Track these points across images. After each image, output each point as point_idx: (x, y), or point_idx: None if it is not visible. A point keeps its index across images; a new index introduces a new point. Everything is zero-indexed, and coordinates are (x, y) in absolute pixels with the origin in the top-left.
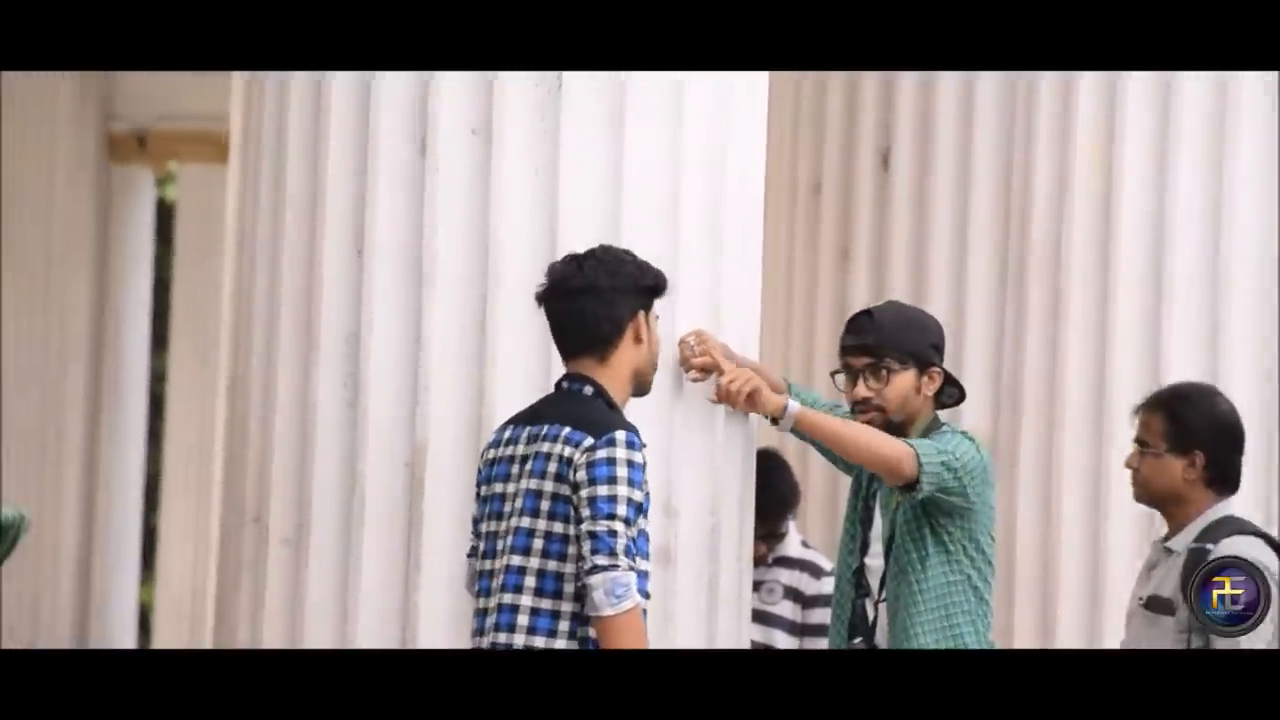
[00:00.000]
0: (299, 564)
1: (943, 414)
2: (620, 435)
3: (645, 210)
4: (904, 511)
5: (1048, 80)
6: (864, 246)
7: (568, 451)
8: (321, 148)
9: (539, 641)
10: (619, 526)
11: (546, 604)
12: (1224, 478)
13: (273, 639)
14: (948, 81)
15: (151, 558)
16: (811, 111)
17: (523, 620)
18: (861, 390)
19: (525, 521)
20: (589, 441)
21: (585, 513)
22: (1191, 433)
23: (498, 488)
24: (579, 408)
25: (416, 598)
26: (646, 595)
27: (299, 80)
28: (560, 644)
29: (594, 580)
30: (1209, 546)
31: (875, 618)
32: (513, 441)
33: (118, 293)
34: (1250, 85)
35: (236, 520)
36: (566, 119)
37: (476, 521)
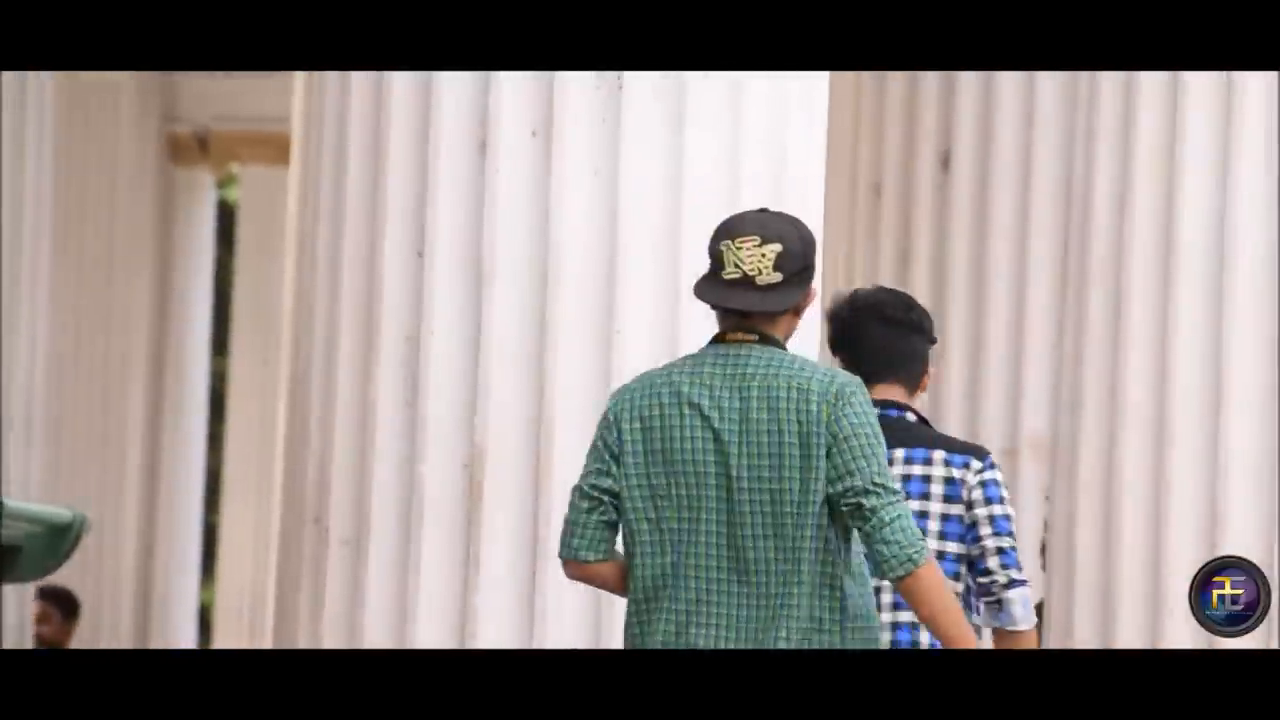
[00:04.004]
0: (358, 565)
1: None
2: (991, 456)
3: (704, 211)
4: None
5: (1109, 80)
6: (924, 248)
7: (956, 473)
8: (382, 149)
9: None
10: (1015, 543)
11: None
12: None
13: (333, 639)
14: (1008, 83)
15: (212, 559)
16: (871, 111)
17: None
18: None
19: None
20: (977, 464)
21: (986, 530)
22: None
23: None
24: (927, 433)
25: (475, 599)
26: None
27: (359, 80)
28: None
29: (1013, 594)
30: None
31: None
32: None
33: (179, 294)
34: None
35: (296, 521)
36: (626, 120)
37: None
